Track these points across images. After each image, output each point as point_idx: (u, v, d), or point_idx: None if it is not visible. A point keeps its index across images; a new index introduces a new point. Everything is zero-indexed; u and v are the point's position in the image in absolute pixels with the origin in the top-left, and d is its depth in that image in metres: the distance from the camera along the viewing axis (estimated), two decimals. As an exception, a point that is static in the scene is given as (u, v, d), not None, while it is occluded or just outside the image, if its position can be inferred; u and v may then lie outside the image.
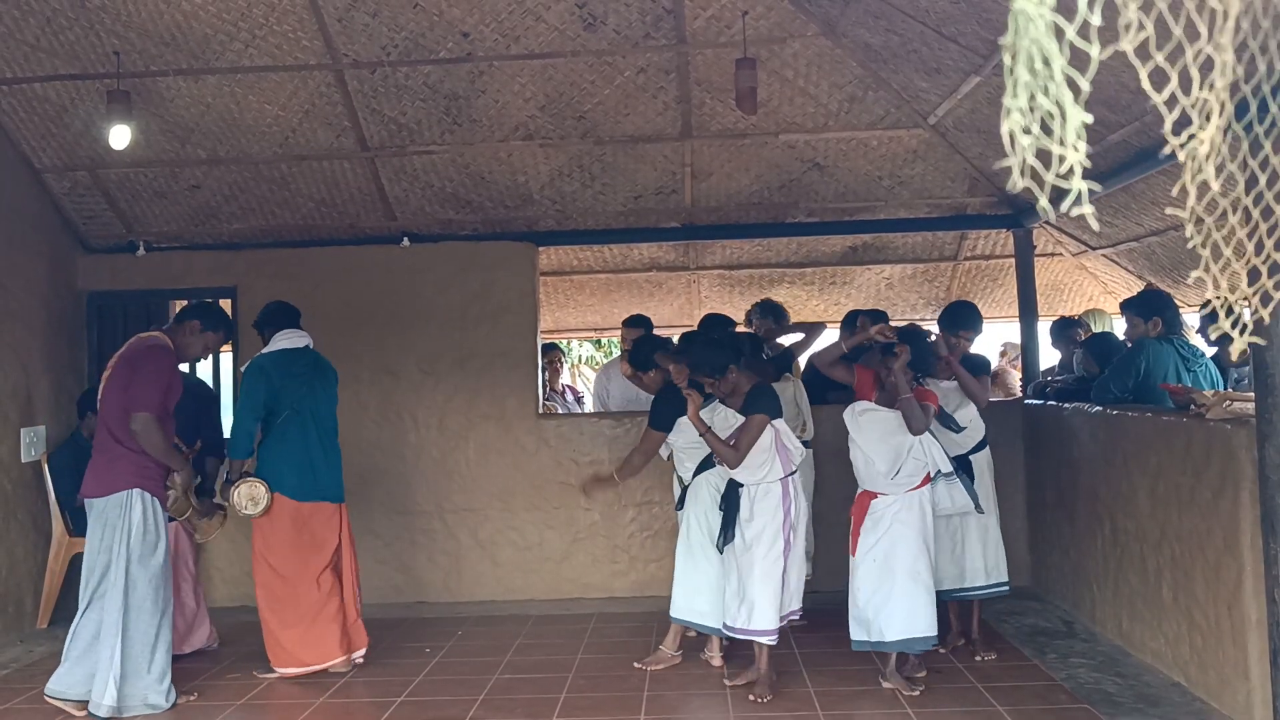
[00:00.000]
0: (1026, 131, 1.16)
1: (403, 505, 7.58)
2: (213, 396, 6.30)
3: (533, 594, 7.42)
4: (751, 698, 4.96)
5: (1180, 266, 7.57)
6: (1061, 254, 8.84)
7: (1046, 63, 1.15)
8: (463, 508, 7.57)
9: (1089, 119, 1.19)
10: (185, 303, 8.06)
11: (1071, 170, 1.18)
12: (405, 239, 7.68)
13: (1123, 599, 5.54)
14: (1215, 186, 1.29)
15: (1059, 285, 9.30)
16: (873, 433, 5.00)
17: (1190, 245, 1.38)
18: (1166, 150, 1.29)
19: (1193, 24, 1.22)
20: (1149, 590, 5.20)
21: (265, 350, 5.78)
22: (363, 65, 6.45)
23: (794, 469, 5.09)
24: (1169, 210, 1.48)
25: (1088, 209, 1.20)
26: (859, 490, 5.12)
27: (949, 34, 5.46)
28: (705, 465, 5.42)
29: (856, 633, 5.06)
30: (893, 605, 4.93)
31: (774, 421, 5.04)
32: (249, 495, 5.55)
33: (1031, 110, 1.16)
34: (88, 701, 5.00)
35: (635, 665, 5.57)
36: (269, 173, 7.32)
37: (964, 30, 5.35)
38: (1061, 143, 1.17)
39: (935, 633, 5.00)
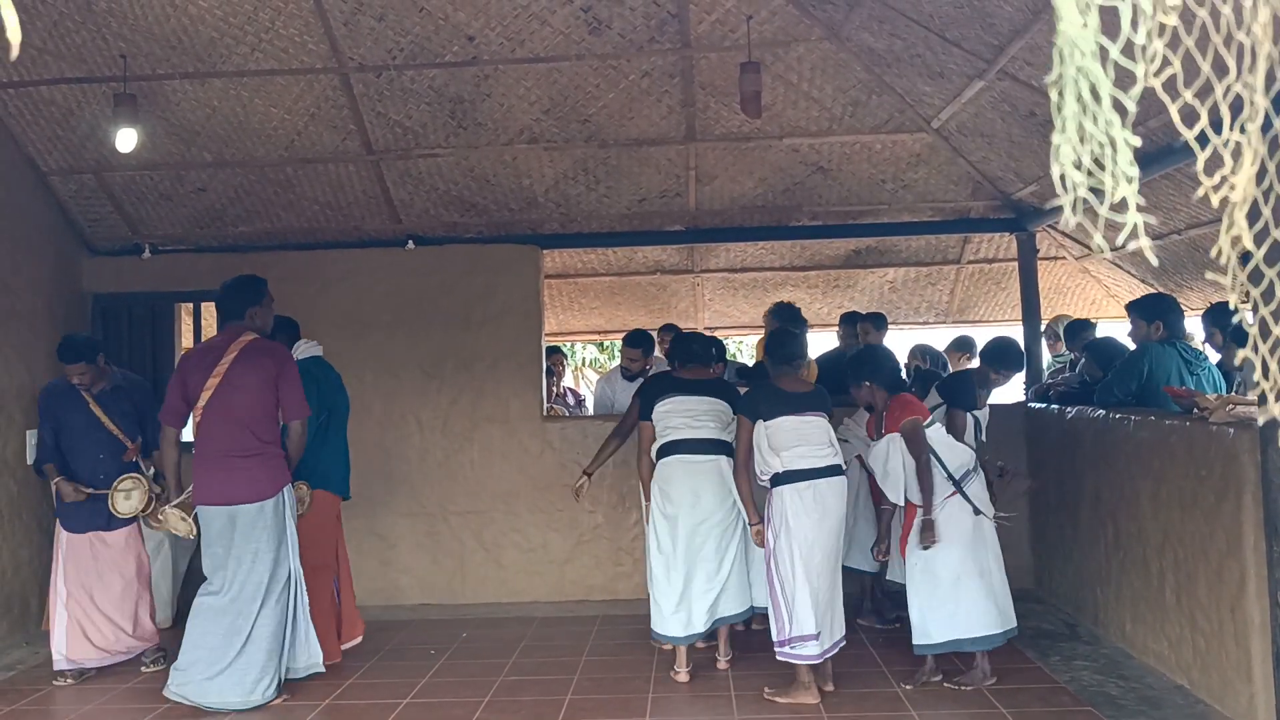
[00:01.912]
0: (1077, 166, 1.12)
1: (407, 507, 7.59)
2: (151, 393, 6.24)
3: (537, 596, 7.43)
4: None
5: (1182, 270, 7.59)
6: (1064, 258, 8.86)
7: (1094, 92, 1.10)
8: (467, 510, 7.59)
9: (1137, 142, 1.14)
10: (190, 305, 8.13)
11: (1124, 203, 1.12)
12: (410, 242, 7.70)
13: (1125, 602, 5.55)
14: (1252, 248, 1.20)
15: (1062, 288, 9.32)
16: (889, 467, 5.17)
17: (1235, 320, 1.26)
18: (1200, 193, 1.22)
19: (1221, 60, 1.17)
20: (1152, 593, 5.22)
21: (300, 357, 5.79)
22: (368, 69, 6.47)
23: (764, 478, 5.05)
24: (1209, 275, 1.37)
25: (1145, 243, 1.12)
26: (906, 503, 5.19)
27: (952, 38, 5.48)
28: (665, 452, 5.49)
29: (913, 636, 5.18)
30: (938, 608, 5.04)
31: (759, 423, 5.05)
32: (297, 498, 5.63)
33: (1082, 142, 1.11)
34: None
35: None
36: (274, 176, 7.34)
37: (967, 35, 5.36)
38: (1114, 175, 1.11)
39: (984, 633, 5.04)
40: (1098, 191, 1.15)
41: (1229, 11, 1.12)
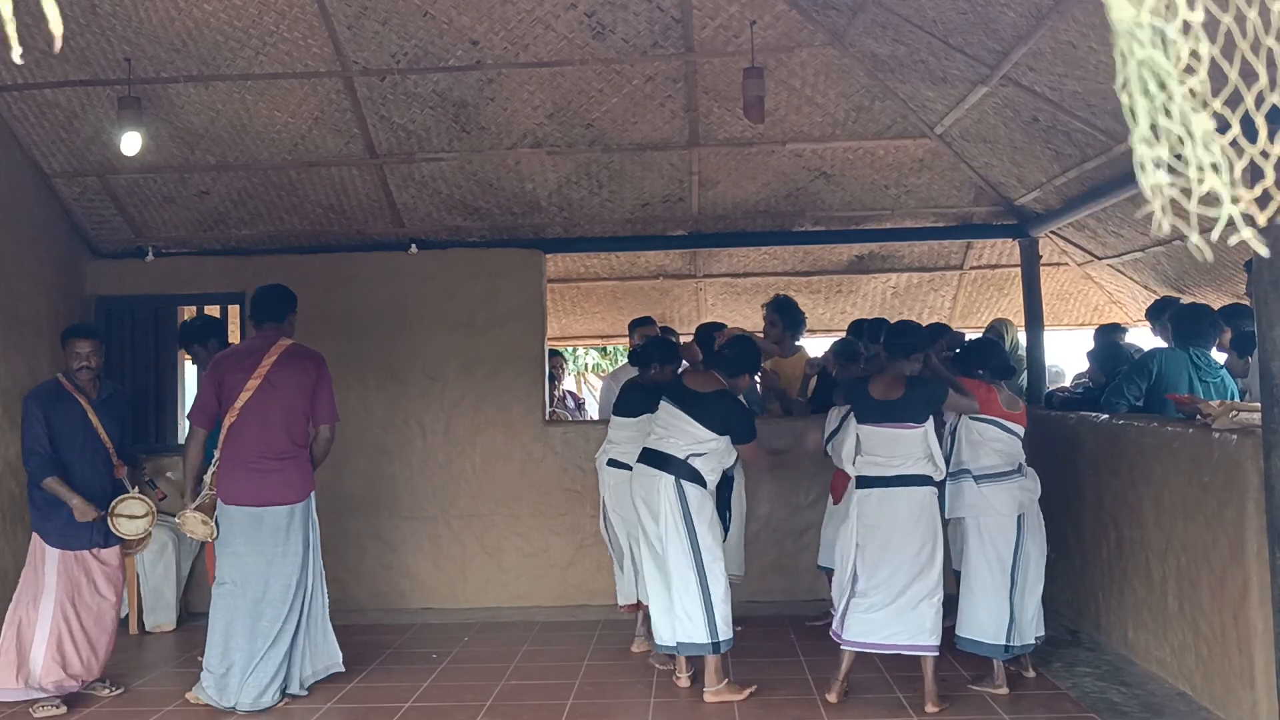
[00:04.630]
0: (1158, 166, 1.05)
1: (409, 511, 7.59)
2: (132, 405, 5.99)
3: (538, 600, 7.43)
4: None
5: (1185, 277, 7.58)
6: (1067, 264, 8.85)
7: (1162, 84, 1.04)
8: (468, 514, 7.59)
9: (1211, 125, 1.07)
10: (193, 309, 8.14)
11: (1214, 195, 1.05)
12: (413, 245, 7.71)
13: (1128, 608, 5.54)
14: None
15: (1065, 294, 9.31)
16: None
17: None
18: (1241, 206, 1.13)
19: (1250, 66, 1.11)
20: (1154, 599, 5.21)
21: None
22: (372, 72, 6.48)
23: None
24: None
25: (1247, 233, 1.04)
26: None
27: (956, 44, 5.49)
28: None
29: None
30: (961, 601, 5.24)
31: (853, 421, 5.22)
32: None
33: (1157, 138, 1.05)
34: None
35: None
36: (278, 179, 7.35)
37: (971, 40, 5.37)
38: (1200, 168, 1.04)
39: (977, 638, 5.11)
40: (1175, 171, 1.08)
41: (1255, 17, 1.07)
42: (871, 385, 5.09)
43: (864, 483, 5.03)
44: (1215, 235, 1.09)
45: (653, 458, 5.26)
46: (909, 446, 4.93)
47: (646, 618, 5.74)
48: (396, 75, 6.51)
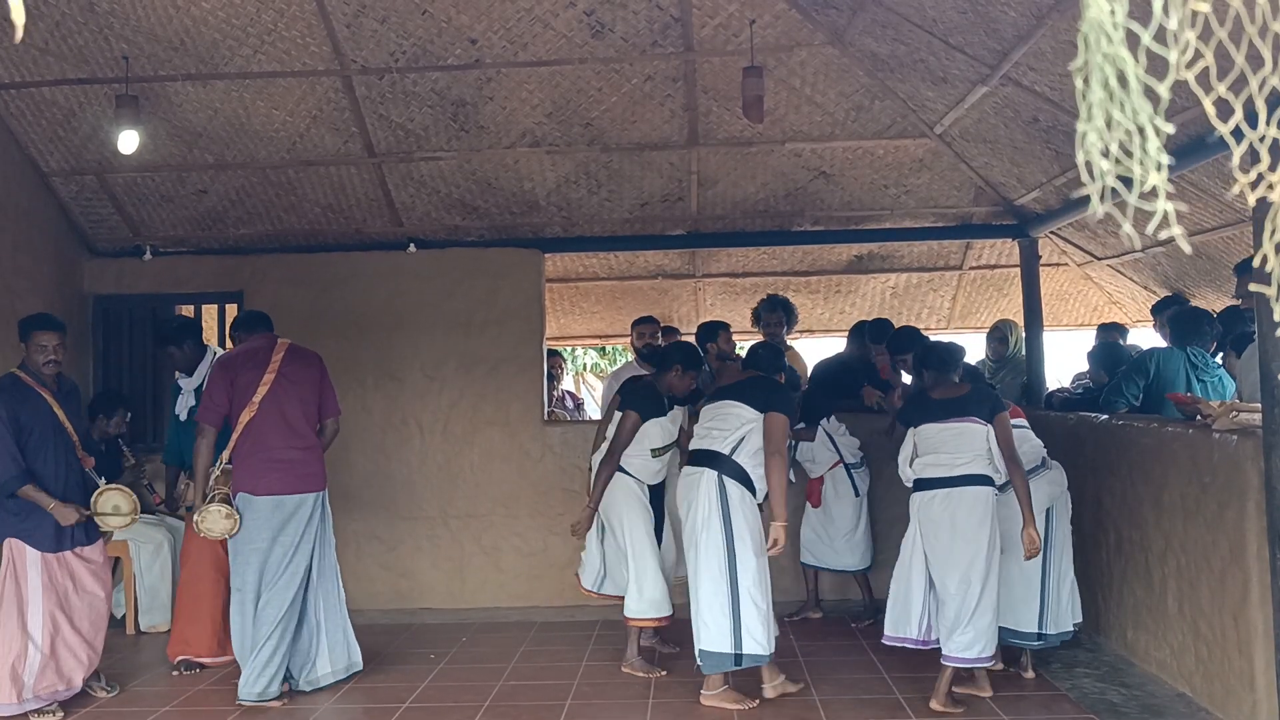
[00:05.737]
0: (1104, 154, 1.09)
1: (407, 510, 7.58)
2: (81, 398, 5.81)
3: (537, 600, 7.41)
4: None
5: (1185, 277, 7.58)
6: (1066, 264, 8.85)
7: (1121, 78, 1.07)
8: (467, 513, 7.57)
9: (1170, 129, 1.11)
10: (190, 308, 8.13)
11: (1154, 191, 1.10)
12: (412, 245, 7.69)
13: (1127, 609, 5.53)
14: None
15: (1064, 295, 9.30)
16: None
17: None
18: (1235, 190, 1.19)
19: (1257, 52, 1.13)
20: (1154, 600, 5.20)
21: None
22: (371, 71, 6.47)
23: (908, 483, 5.12)
24: (1252, 288, 1.31)
25: (1177, 230, 1.10)
26: None
27: (956, 44, 5.48)
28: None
29: None
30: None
31: (910, 430, 5.13)
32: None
33: (1109, 129, 1.09)
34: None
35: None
36: (276, 178, 7.33)
37: (971, 40, 5.36)
38: (1143, 163, 1.09)
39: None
40: (1125, 181, 1.11)
41: (1264, 1, 1.09)
42: (931, 391, 5.12)
43: (926, 485, 4.94)
44: (1150, 229, 1.13)
45: (699, 456, 5.13)
46: (973, 443, 4.89)
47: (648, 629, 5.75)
48: (395, 74, 6.49)
